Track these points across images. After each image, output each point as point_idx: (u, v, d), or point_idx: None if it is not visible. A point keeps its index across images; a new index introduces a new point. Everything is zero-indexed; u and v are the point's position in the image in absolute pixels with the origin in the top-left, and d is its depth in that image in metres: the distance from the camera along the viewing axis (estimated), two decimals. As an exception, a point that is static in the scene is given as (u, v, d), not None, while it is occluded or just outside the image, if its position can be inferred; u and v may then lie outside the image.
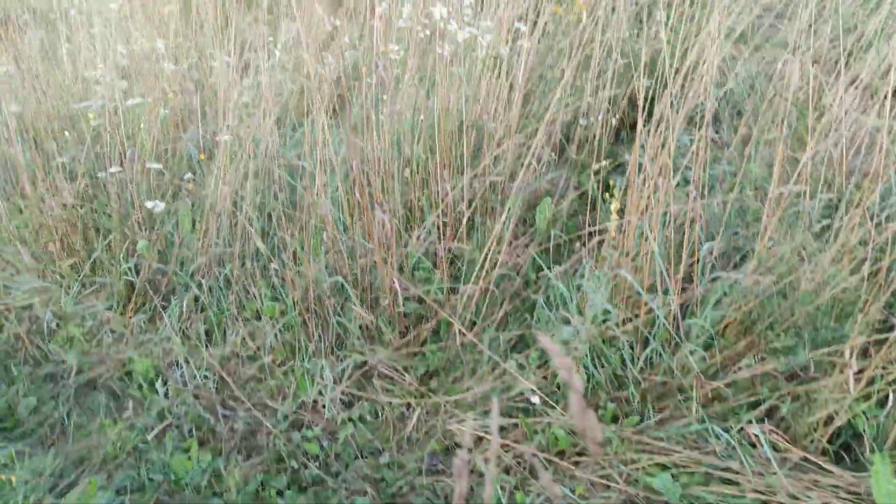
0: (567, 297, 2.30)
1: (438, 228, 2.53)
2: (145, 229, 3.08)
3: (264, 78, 2.99)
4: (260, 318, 2.80)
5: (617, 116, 2.98)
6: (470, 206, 2.51)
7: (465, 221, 2.52)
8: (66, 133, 3.40)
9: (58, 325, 3.14)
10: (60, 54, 3.91)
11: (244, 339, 2.78)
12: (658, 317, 2.13)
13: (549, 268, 2.44)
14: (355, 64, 3.20)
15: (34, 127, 3.50)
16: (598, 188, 2.71)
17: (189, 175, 3.04)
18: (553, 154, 2.81)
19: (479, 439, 2.28)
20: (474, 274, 2.43)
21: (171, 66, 3.58)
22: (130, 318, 3.06)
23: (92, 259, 3.21)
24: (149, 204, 2.84)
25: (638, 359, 2.17)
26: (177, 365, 2.79)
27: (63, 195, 3.23)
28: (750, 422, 1.95)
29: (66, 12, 4.42)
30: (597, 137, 2.92)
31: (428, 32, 2.76)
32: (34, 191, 3.31)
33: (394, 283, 2.43)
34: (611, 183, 2.65)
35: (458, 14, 2.62)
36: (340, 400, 2.50)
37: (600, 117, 2.91)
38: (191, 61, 3.75)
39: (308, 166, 2.66)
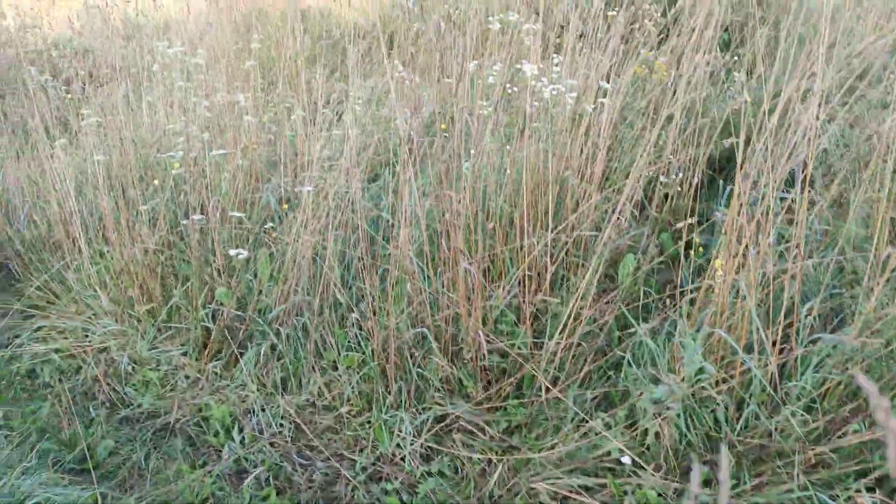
0: (657, 355, 2.26)
1: (522, 282, 2.52)
2: (224, 276, 3.12)
3: (346, 131, 3.05)
4: (337, 368, 2.80)
5: (698, 175, 2.97)
6: (554, 260, 2.50)
7: (549, 276, 2.51)
8: (155, 181, 3.50)
9: (133, 368, 3.19)
10: (143, 107, 4.07)
11: (321, 388, 2.78)
12: (755, 377, 2.07)
13: (634, 325, 2.41)
14: (435, 118, 3.26)
15: (119, 175, 3.61)
16: (682, 246, 2.68)
17: (270, 224, 3.09)
18: (634, 211, 2.80)
19: (565, 498, 2.22)
20: (559, 329, 2.40)
21: (252, 119, 3.68)
22: (205, 364, 3.09)
23: (169, 305, 3.26)
24: (232, 251, 2.89)
25: (734, 420, 2.11)
26: (253, 412, 2.79)
27: (144, 241, 3.31)
28: (859, 490, 1.86)
29: (148, 66, 4.61)
30: (679, 195, 2.91)
31: (515, 89, 2.81)
32: (117, 236, 3.40)
33: (477, 335, 2.42)
34: (696, 241, 2.62)
35: (548, 72, 2.66)
36: (420, 453, 2.47)
37: (682, 175, 2.90)
38: (270, 115, 3.86)
39: (392, 218, 2.69)
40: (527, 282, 2.51)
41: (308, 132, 3.54)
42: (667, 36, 3.46)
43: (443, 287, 2.54)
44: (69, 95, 4.59)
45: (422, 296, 2.57)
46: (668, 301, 2.50)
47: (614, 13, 3.34)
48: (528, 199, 2.54)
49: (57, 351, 3.39)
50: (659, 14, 3.53)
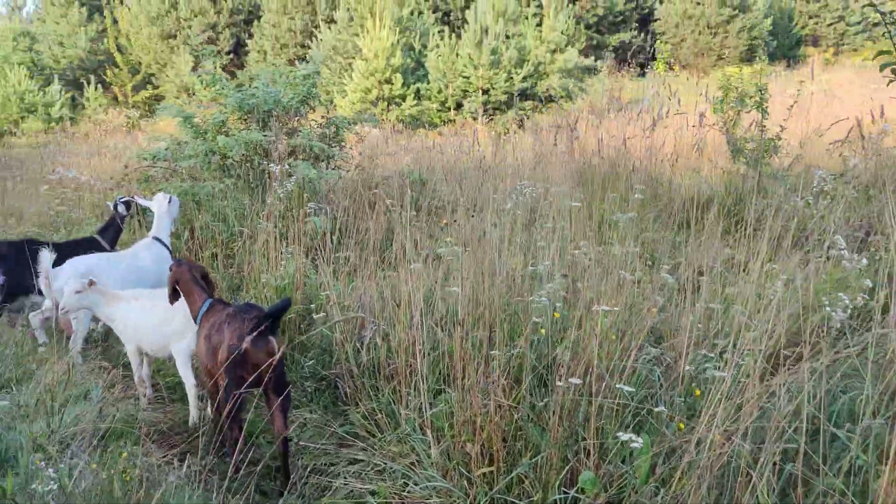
0: None
1: None
2: (593, 459, 2.56)
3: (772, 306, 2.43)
4: None
5: None
6: None
7: None
8: (540, 331, 3.10)
9: (458, 542, 2.68)
10: (505, 243, 3.79)
11: None
12: None
13: None
14: None
15: (476, 314, 3.28)
16: None
17: (661, 408, 2.50)
18: None
19: None
20: None
21: (627, 275, 3.20)
22: (551, 563, 2.49)
23: (512, 475, 2.75)
24: (622, 435, 2.32)
25: None
26: None
27: (498, 394, 2.87)
28: None
29: (498, 203, 4.41)
30: None
31: None
32: (465, 381, 3.02)
33: None
34: None
35: None
36: None
37: None
38: (653, 274, 3.36)
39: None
40: None
41: (701, 301, 2.97)
42: None
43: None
44: (438, 224, 4.52)
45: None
46: None
47: None
48: None
49: (373, 493, 3.01)
50: None
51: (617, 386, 2.53)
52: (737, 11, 19.73)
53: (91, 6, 23.97)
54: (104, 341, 5.04)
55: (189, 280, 3.42)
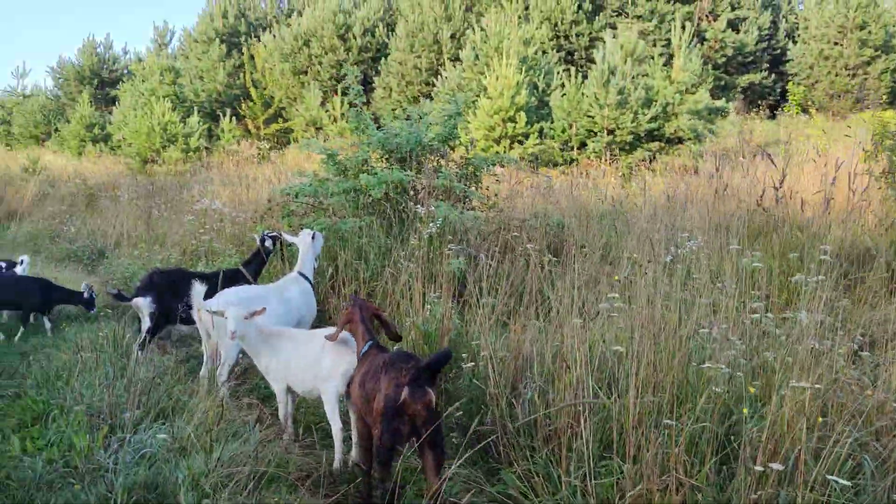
0: None
1: None
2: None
3: None
4: None
5: None
6: None
7: None
8: (681, 391, 2.88)
9: None
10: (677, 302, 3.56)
11: None
12: None
13: None
14: None
15: (645, 377, 3.07)
16: None
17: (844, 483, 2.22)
18: None
19: None
20: None
21: (816, 344, 2.91)
22: None
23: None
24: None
25: None
26: None
27: (679, 470, 2.65)
28: None
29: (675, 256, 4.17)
30: None
31: None
32: (639, 453, 2.81)
33: None
34: None
35: None
36: None
37: None
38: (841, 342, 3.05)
39: None
40: None
41: None
42: None
43: None
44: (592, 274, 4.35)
45: None
46: None
47: None
48: None
49: (531, 563, 2.83)
50: None
51: (829, 477, 2.26)
52: (879, 52, 18.60)
53: (230, 43, 25.32)
54: (243, 374, 5.07)
55: (358, 320, 3.44)
